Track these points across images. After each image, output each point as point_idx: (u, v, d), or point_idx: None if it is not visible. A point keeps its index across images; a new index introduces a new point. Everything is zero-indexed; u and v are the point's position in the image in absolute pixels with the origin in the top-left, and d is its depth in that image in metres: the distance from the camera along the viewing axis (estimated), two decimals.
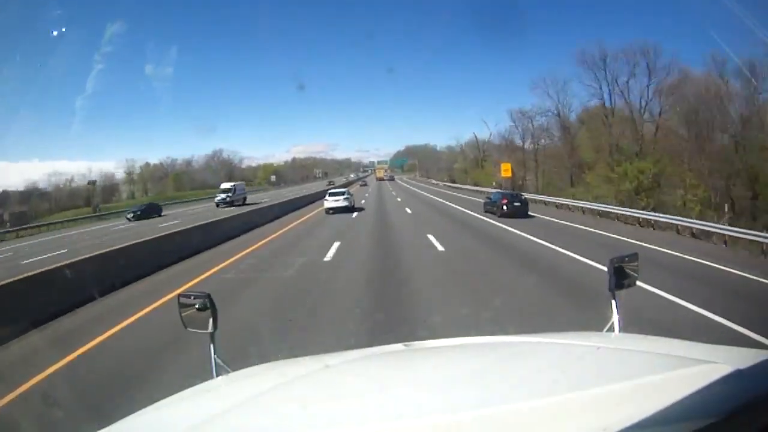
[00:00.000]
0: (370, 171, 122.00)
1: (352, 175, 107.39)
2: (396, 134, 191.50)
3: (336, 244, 13.27)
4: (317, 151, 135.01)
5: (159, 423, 1.20)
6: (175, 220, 28.59)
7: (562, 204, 25.74)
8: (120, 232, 24.77)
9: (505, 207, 19.80)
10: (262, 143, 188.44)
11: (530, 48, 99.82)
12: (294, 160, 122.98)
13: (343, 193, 26.26)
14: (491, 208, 21.23)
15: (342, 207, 24.57)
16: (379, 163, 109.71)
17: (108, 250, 10.55)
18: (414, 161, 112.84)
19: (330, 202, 25.11)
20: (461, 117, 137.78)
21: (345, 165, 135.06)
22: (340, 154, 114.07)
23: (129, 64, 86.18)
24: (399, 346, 1.70)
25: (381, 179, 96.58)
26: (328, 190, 29.97)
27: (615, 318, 1.74)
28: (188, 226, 15.65)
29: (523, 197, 21.83)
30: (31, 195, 60.12)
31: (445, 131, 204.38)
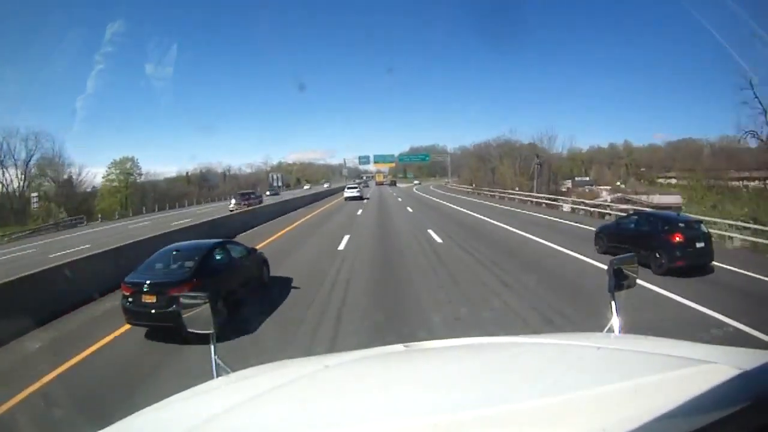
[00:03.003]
0: (366, 177, 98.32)
1: (326, 185, 78.25)
2: (396, 139, 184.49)
3: None
4: (314, 158, 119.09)
5: (159, 423, 1.20)
6: None
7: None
8: None
9: (678, 252, 9.25)
10: (261, 150, 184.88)
11: (533, 48, 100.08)
12: (280, 165, 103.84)
13: (356, 187, 41.53)
14: (627, 249, 9.18)
15: (356, 196, 37.25)
16: (376, 159, 70.33)
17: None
18: (442, 158, 76.65)
19: (347, 193, 38.48)
20: (464, 119, 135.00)
21: (338, 170, 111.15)
22: (338, 160, 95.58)
23: (123, 70, 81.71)
24: (399, 346, 1.70)
25: (380, 184, 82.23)
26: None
27: (615, 318, 1.75)
28: None
29: (705, 230, 10.29)
30: None
31: (448, 135, 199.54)
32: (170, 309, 5.80)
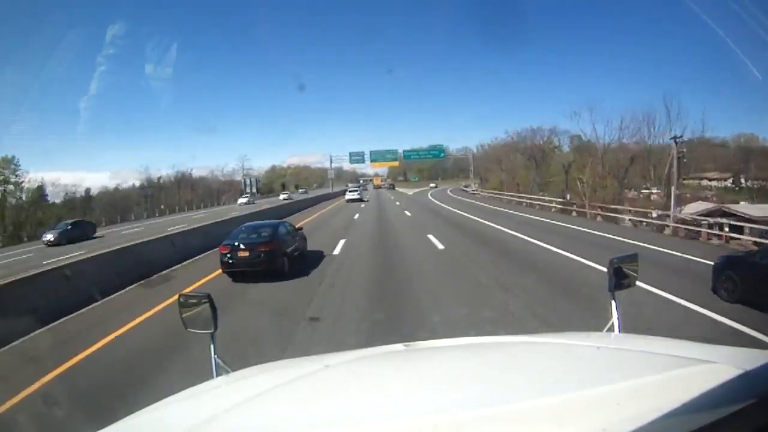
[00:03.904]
0: (364, 181, 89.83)
1: (283, 196, 55.97)
2: (395, 142, 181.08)
3: None
4: (312, 161, 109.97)
5: (159, 423, 1.20)
6: None
7: None
8: None
9: None
10: (261, 153, 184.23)
11: (534, 50, 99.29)
12: (273, 168, 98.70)
13: (357, 190, 44.72)
14: None
15: (357, 198, 40.89)
16: (374, 156, 53.43)
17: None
18: (464, 155, 59.06)
19: (349, 195, 42.13)
20: (465, 120, 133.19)
21: (336, 175, 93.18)
22: (334, 163, 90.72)
23: (123, 71, 77.71)
24: (399, 346, 1.70)
25: (378, 187, 76.75)
26: None
27: (615, 318, 1.75)
28: None
29: None
30: None
31: (450, 136, 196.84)
32: (258, 259, 9.75)
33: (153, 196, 58.96)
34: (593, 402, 0.90)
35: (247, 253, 9.82)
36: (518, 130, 51.47)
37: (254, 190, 64.93)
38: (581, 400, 0.91)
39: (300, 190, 73.10)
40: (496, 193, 42.30)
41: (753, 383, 0.92)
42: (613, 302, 1.79)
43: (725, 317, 6.27)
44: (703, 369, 1.00)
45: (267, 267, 9.76)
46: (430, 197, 44.09)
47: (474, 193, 49.09)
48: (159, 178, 67.40)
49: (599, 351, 1.37)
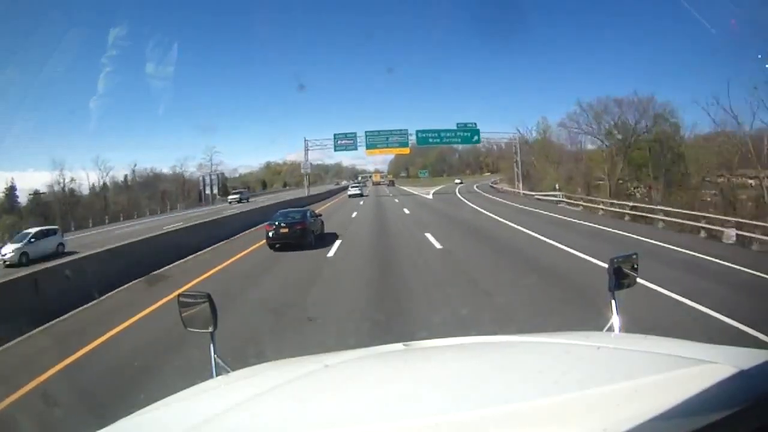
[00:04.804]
0: (360, 178, 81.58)
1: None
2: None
3: None
4: (311, 158, 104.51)
5: (159, 423, 1.20)
6: None
7: None
8: None
9: None
10: (260, 150, 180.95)
11: (533, 50, 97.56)
12: (269, 166, 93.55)
13: (357, 186, 49.49)
14: None
15: (358, 194, 44.07)
16: (370, 141, 39.08)
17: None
18: (516, 141, 41.79)
19: (351, 190, 46.15)
20: (464, 118, 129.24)
21: (333, 172, 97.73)
22: (334, 160, 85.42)
23: (123, 72, 74.37)
24: (399, 345, 1.70)
25: (377, 183, 71.76)
26: None
27: (615, 318, 1.75)
28: None
29: None
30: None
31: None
32: (295, 234, 13.45)
33: (43, 205, 46.49)
34: (593, 402, 0.90)
35: (287, 230, 13.52)
36: (592, 102, 36.46)
37: (215, 191, 50.82)
38: (581, 400, 0.91)
39: (230, 198, 46.98)
40: (602, 201, 23.49)
41: (753, 383, 0.91)
42: (613, 302, 1.78)
43: None
44: (703, 369, 1.00)
45: (301, 240, 13.41)
46: (473, 201, 26.65)
47: (552, 200, 28.28)
48: (132, 181, 53.65)
49: (599, 351, 1.37)
